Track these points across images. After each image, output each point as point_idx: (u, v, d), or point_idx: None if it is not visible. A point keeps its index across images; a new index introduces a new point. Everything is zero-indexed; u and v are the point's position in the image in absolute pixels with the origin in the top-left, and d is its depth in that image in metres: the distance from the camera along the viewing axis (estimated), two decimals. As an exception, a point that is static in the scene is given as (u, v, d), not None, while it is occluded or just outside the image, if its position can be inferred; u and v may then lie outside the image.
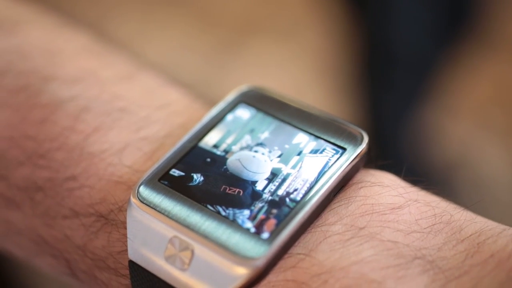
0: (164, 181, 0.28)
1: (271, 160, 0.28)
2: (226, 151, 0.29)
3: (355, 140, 0.29)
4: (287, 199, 0.27)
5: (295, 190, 0.27)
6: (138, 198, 0.27)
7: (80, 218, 0.29)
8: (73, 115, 0.31)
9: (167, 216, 0.26)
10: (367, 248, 0.25)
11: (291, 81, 1.27)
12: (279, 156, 0.29)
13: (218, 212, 0.26)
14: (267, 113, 0.30)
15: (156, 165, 0.28)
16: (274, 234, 0.25)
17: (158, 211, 0.27)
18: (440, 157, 1.08)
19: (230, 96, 0.31)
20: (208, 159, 0.29)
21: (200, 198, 0.27)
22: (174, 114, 0.31)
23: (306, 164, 0.28)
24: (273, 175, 0.28)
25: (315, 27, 1.30)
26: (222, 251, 0.25)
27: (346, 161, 0.28)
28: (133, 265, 0.27)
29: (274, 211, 0.26)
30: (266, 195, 0.27)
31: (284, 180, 0.28)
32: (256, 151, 0.29)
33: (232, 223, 0.26)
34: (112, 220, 0.29)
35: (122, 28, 1.34)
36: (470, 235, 0.26)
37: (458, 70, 1.08)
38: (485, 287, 0.24)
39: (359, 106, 1.05)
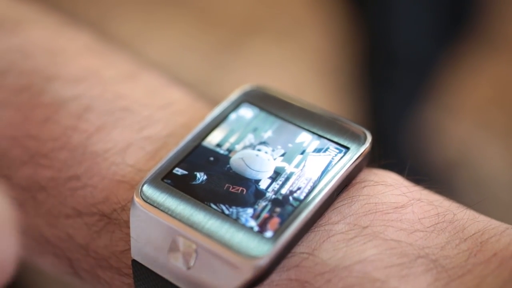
0: (167, 180, 0.28)
1: (274, 159, 0.28)
2: (229, 150, 0.29)
3: (358, 139, 0.29)
4: (291, 198, 0.27)
5: (299, 189, 0.27)
6: (142, 197, 0.27)
7: (83, 218, 0.29)
8: (76, 115, 0.31)
9: (171, 215, 0.26)
10: (370, 247, 0.25)
11: (292, 81, 1.27)
12: (282, 155, 0.29)
13: (222, 211, 0.26)
14: (270, 112, 0.30)
15: (159, 164, 0.28)
16: (277, 233, 0.25)
17: (162, 210, 0.27)
18: (441, 157, 1.08)
19: (233, 95, 0.31)
20: (211, 158, 0.29)
21: (203, 197, 0.27)
22: (176, 113, 0.31)
23: (309, 163, 0.28)
24: (277, 174, 0.28)
25: (315, 27, 1.30)
26: (226, 250, 0.25)
27: (350, 160, 0.28)
28: (136, 264, 0.27)
29: (278, 209, 0.26)
30: (270, 194, 0.27)
31: (287, 179, 0.27)
32: (259, 150, 0.29)
33: (236, 221, 0.26)
34: (115, 219, 0.29)
35: (123, 27, 1.34)
36: (473, 234, 0.26)
37: (459, 70, 1.08)
38: (488, 285, 0.24)
39: (360, 106, 1.05)
